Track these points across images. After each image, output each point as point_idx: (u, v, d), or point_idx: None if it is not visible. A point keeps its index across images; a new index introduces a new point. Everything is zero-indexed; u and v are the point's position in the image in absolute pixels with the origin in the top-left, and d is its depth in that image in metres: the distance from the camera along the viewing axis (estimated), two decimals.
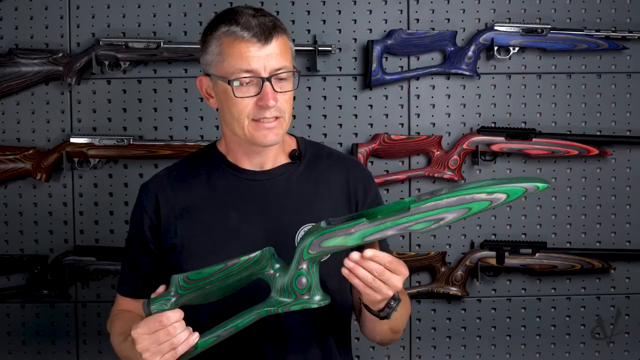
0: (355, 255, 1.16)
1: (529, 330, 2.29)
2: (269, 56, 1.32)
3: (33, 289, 2.19)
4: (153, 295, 1.21)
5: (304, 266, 1.19)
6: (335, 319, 1.45)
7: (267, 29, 1.32)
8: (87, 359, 2.27)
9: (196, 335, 1.21)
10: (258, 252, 1.19)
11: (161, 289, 1.23)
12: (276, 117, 1.34)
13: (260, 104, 1.32)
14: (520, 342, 2.29)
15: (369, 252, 1.16)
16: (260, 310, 1.21)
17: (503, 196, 1.10)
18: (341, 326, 1.48)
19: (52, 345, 2.26)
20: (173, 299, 1.19)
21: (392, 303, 1.27)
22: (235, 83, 1.32)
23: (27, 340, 2.26)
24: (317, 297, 1.20)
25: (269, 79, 1.32)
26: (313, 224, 1.38)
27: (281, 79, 1.34)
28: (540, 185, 1.09)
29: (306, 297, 1.20)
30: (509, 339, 2.29)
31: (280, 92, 1.33)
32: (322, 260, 1.23)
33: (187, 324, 1.43)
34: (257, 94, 1.32)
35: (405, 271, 1.20)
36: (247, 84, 1.32)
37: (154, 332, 1.18)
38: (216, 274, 1.19)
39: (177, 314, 1.19)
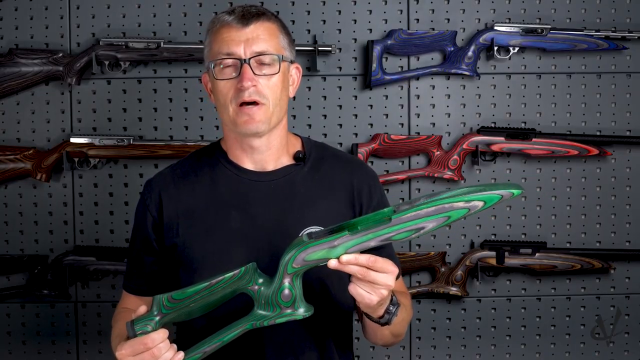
0: (332, 262, 1.16)
1: (529, 330, 2.29)
2: (249, 40, 1.34)
3: (33, 289, 2.19)
4: (135, 316, 1.21)
5: (288, 280, 1.19)
6: (335, 321, 1.44)
7: (249, 14, 1.36)
8: (87, 359, 2.27)
9: (181, 354, 1.20)
10: (242, 268, 1.19)
11: (142, 309, 1.22)
12: (257, 103, 1.34)
13: (238, 85, 1.33)
14: (520, 342, 2.30)
15: (344, 257, 1.15)
16: (246, 325, 1.21)
17: (480, 203, 1.10)
18: (341, 327, 1.47)
19: (52, 345, 2.26)
20: (157, 319, 1.19)
21: (391, 308, 1.27)
22: (214, 65, 1.35)
23: (27, 340, 2.26)
24: (301, 309, 1.21)
25: (247, 61, 1.33)
26: (316, 226, 1.38)
27: (263, 64, 1.35)
28: (515, 191, 1.10)
29: (290, 310, 1.20)
30: (509, 339, 2.29)
31: (261, 76, 1.34)
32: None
33: (184, 330, 1.43)
34: (237, 77, 1.34)
35: (393, 268, 1.19)
36: (228, 66, 1.35)
37: (138, 354, 1.18)
38: (200, 292, 1.19)
39: (161, 335, 1.18)
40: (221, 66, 1.35)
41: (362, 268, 1.16)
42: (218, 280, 1.19)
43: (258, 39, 1.35)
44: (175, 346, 1.20)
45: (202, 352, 1.22)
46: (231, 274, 1.19)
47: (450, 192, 1.12)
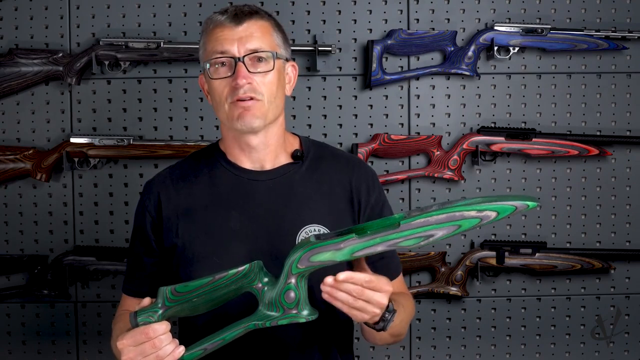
0: (329, 279, 1.15)
1: (529, 330, 2.29)
2: (243, 38, 1.35)
3: (33, 289, 2.19)
4: (138, 307, 1.20)
5: (293, 280, 1.18)
6: (337, 324, 1.44)
7: (242, 13, 1.36)
8: (87, 359, 2.27)
9: (182, 348, 1.20)
10: (247, 265, 1.18)
11: (146, 301, 1.22)
12: (252, 99, 1.34)
13: (233, 83, 1.34)
14: (520, 342, 2.29)
15: (341, 275, 1.14)
16: (248, 324, 1.20)
17: (493, 214, 1.09)
18: (343, 331, 1.47)
19: (52, 345, 2.26)
20: (160, 311, 1.18)
21: (387, 316, 1.24)
22: (209, 65, 1.35)
23: (27, 340, 2.26)
24: (305, 312, 1.19)
25: (241, 59, 1.34)
26: (315, 224, 1.38)
27: (258, 61, 1.35)
28: (530, 203, 1.08)
29: (294, 311, 1.19)
30: (509, 339, 2.29)
31: (256, 73, 1.34)
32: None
33: (187, 327, 1.43)
34: (232, 76, 1.34)
35: (387, 287, 1.19)
36: (222, 65, 1.35)
37: (139, 344, 1.17)
38: (204, 287, 1.18)
39: (163, 326, 1.18)
40: (216, 66, 1.36)
41: (357, 287, 1.15)
42: (222, 276, 1.18)
43: (252, 36, 1.35)
44: (177, 340, 1.20)
45: (203, 348, 1.21)
46: (235, 270, 1.18)
47: (465, 200, 1.11)
